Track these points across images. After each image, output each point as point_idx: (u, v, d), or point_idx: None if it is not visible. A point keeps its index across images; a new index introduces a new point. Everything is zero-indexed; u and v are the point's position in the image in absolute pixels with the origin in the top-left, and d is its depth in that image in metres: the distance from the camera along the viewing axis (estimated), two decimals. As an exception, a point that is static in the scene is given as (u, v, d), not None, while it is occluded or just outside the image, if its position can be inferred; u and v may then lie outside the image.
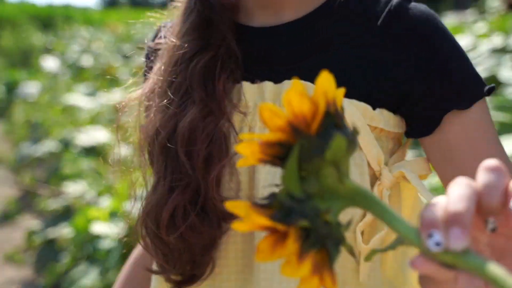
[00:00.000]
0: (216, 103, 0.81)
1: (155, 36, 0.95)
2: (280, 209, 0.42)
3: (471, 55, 3.44)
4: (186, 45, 0.85)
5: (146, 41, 0.99)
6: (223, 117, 0.81)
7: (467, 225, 0.39)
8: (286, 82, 0.79)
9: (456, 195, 0.40)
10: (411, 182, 0.79)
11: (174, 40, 0.86)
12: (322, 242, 0.42)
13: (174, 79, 0.84)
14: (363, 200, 0.43)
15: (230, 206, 0.42)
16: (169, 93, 0.84)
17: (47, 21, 16.44)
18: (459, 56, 0.80)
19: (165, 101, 0.83)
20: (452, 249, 0.38)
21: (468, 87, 0.80)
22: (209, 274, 0.82)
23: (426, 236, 0.39)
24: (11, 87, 8.47)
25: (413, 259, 0.40)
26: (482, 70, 3.25)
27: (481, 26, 3.97)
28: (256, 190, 0.81)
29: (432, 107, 0.80)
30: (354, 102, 0.77)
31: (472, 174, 0.79)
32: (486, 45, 3.40)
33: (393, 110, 0.81)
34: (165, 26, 0.93)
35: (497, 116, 2.53)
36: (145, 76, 0.93)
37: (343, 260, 0.82)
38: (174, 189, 0.80)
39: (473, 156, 0.79)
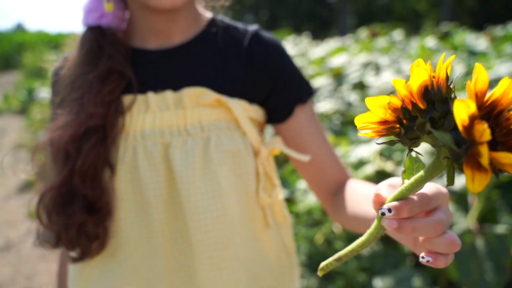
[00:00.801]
0: (103, 112, 0.75)
1: (59, 68, 0.85)
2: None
3: (347, 68, 3.55)
4: (79, 68, 0.78)
5: (50, 75, 0.90)
6: (107, 123, 0.75)
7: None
8: (185, 89, 0.77)
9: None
10: (283, 150, 0.83)
11: (71, 67, 0.80)
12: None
13: (69, 94, 0.78)
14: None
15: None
16: (67, 102, 0.77)
17: (57, 44, 15.83)
18: (296, 68, 0.86)
19: (61, 111, 0.77)
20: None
21: (305, 86, 0.86)
22: (103, 248, 0.77)
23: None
24: (30, 92, 8.48)
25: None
26: (355, 77, 3.36)
27: (354, 47, 4.09)
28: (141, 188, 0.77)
29: (285, 101, 0.84)
30: (237, 100, 0.79)
31: (312, 154, 0.86)
32: (357, 60, 3.51)
33: (261, 104, 0.84)
34: (66, 57, 0.85)
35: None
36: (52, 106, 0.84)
37: (254, 214, 0.83)
38: (63, 176, 0.74)
39: (311, 138, 0.85)
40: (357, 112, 2.92)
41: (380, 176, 2.49)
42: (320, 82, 3.37)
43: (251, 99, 0.82)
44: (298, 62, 4.09)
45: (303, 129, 0.85)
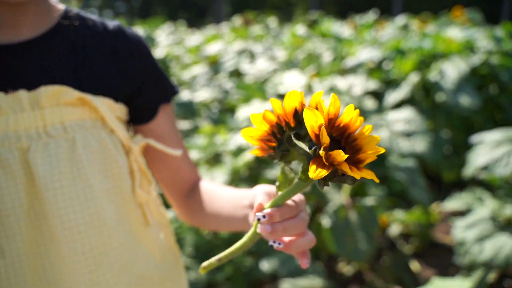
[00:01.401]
0: None
1: None
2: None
3: (223, 55, 3.58)
4: None
5: None
6: None
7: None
8: (42, 88, 0.70)
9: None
10: (155, 146, 0.81)
11: None
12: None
13: None
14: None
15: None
16: None
17: None
18: (159, 66, 0.84)
19: None
20: None
21: (167, 86, 0.85)
22: None
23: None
24: None
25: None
26: (231, 65, 3.41)
27: (230, 35, 4.14)
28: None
29: (150, 101, 0.82)
30: (102, 99, 0.75)
31: (170, 155, 0.84)
32: (232, 48, 3.56)
33: (126, 103, 0.81)
34: None
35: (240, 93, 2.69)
36: None
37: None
38: None
39: (172, 138, 0.85)
40: (234, 99, 2.97)
41: (259, 162, 2.56)
42: (196, 70, 3.35)
43: (116, 98, 0.78)
44: (175, 51, 4.01)
45: (164, 130, 0.84)
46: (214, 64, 3.53)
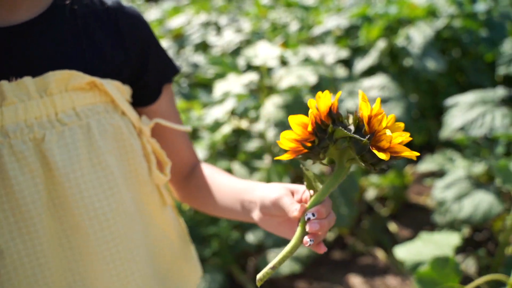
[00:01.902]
0: None
1: None
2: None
3: (188, 29, 3.51)
4: None
5: None
6: None
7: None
8: (50, 73, 0.67)
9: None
10: (165, 124, 0.80)
11: None
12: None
13: None
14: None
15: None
16: None
17: None
18: (160, 43, 0.81)
19: None
20: None
21: (170, 64, 0.83)
22: None
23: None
24: None
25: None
26: (196, 37, 3.34)
27: (191, 8, 4.04)
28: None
29: (154, 81, 0.80)
30: (110, 81, 0.72)
31: (171, 136, 0.86)
32: (197, 21, 3.49)
33: (131, 85, 0.78)
34: None
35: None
36: None
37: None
38: None
39: (175, 119, 0.84)
40: (204, 73, 2.93)
41: (236, 134, 2.57)
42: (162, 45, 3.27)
43: (123, 80, 0.76)
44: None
45: (166, 111, 0.83)
46: (179, 38, 3.45)
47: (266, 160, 2.26)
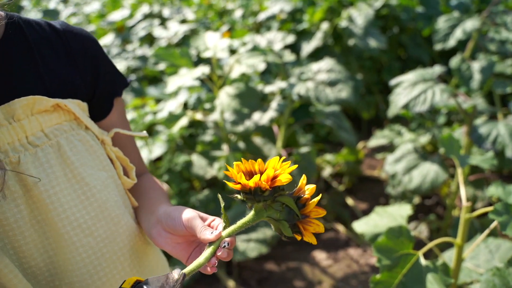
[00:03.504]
0: None
1: None
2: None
3: (130, 22, 3.47)
4: None
5: None
6: None
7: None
8: (15, 100, 0.71)
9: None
10: (124, 133, 0.87)
11: None
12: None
13: None
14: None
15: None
16: None
17: None
18: (109, 59, 0.86)
19: None
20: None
21: (120, 79, 0.88)
22: None
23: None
24: None
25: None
26: (141, 30, 3.32)
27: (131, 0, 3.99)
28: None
29: (107, 96, 0.86)
30: (71, 100, 0.78)
31: (127, 143, 0.92)
32: (139, 13, 3.45)
33: (87, 101, 0.83)
34: None
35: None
36: None
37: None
38: None
39: (126, 127, 0.90)
40: (152, 67, 2.94)
41: (192, 125, 2.62)
42: (106, 40, 3.23)
43: (81, 98, 0.81)
44: (73, 20, 3.79)
45: (118, 122, 0.89)
46: (122, 31, 3.42)
47: (224, 149, 2.33)
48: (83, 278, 0.77)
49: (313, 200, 0.68)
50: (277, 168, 0.67)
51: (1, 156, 0.70)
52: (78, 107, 0.79)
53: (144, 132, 0.91)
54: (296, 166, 0.68)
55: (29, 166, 0.72)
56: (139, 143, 2.22)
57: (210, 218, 0.73)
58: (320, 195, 0.69)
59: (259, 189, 0.67)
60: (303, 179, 0.70)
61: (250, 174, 0.68)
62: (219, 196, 0.71)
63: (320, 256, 2.33)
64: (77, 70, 0.80)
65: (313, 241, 0.67)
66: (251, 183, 0.66)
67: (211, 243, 0.67)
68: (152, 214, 0.80)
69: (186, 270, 0.65)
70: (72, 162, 0.76)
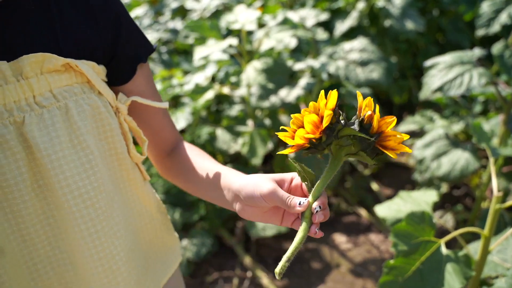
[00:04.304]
0: None
1: None
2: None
3: None
4: None
5: None
6: None
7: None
8: (24, 57, 0.67)
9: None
10: (142, 101, 0.81)
11: None
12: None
13: None
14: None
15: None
16: None
17: None
18: (133, 21, 0.81)
19: None
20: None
21: (145, 45, 0.83)
22: None
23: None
24: None
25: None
26: (173, 1, 3.28)
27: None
28: None
29: (128, 60, 0.80)
30: (85, 61, 0.73)
31: (150, 115, 0.86)
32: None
33: (105, 64, 0.79)
34: None
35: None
36: None
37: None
38: None
39: (154, 96, 0.85)
40: (184, 40, 2.90)
41: (219, 99, 2.58)
42: (138, 11, 3.21)
43: (98, 59, 0.76)
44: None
45: (142, 90, 0.83)
46: (155, 4, 3.39)
47: (249, 124, 2.29)
48: (82, 250, 0.73)
49: (376, 113, 0.61)
50: (319, 107, 0.63)
51: (5, 115, 0.67)
52: (92, 70, 0.74)
53: (165, 103, 0.85)
54: (335, 93, 0.62)
55: (33, 128, 0.67)
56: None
57: (287, 178, 0.70)
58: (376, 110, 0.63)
59: (317, 138, 0.63)
60: (359, 96, 0.64)
61: (300, 127, 0.64)
62: (291, 161, 0.66)
63: (340, 239, 2.28)
64: (97, 28, 0.74)
65: (406, 149, 0.61)
66: (301, 139, 0.62)
67: (303, 212, 0.65)
68: (224, 190, 0.76)
69: (287, 254, 0.63)
70: (79, 127, 0.71)
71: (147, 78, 0.85)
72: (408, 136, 0.62)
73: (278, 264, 0.63)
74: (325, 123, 0.61)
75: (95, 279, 0.75)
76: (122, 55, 0.79)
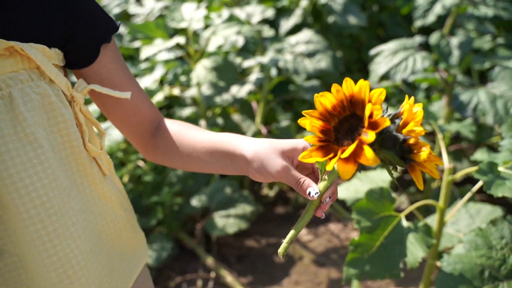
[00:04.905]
0: None
1: None
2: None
3: (104, 0, 3.35)
4: None
5: None
6: None
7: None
8: None
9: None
10: (101, 91, 0.75)
11: None
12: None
13: None
14: None
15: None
16: None
17: None
18: (95, 2, 0.76)
19: None
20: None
21: (108, 24, 0.77)
22: None
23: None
24: None
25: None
26: (115, 7, 3.21)
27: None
28: None
29: (89, 42, 0.75)
30: (34, 45, 0.66)
31: (127, 91, 0.80)
32: (114, -10, 3.33)
33: (61, 48, 0.73)
34: None
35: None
36: None
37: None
38: None
39: (121, 78, 0.79)
40: (128, 44, 2.84)
41: (169, 102, 2.54)
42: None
43: (49, 43, 0.70)
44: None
45: (110, 71, 0.78)
46: (97, 9, 3.30)
47: (202, 125, 2.26)
48: (34, 254, 0.66)
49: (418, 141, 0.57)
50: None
51: None
52: (41, 54, 0.67)
53: (127, 93, 0.77)
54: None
55: None
56: (108, 122, 2.09)
57: (299, 146, 0.69)
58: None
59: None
60: (406, 102, 0.59)
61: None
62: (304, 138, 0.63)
63: (301, 231, 2.29)
64: (48, 8, 0.68)
65: (435, 174, 0.59)
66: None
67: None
68: (227, 159, 0.74)
69: (287, 241, 0.64)
70: (25, 118, 0.64)
71: (114, 58, 0.79)
72: (442, 163, 0.60)
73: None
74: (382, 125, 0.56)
75: (48, 285, 0.68)
76: (83, 36, 0.73)
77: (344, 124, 0.60)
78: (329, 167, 0.57)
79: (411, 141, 0.58)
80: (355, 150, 0.54)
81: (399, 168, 0.61)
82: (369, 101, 0.57)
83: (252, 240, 2.24)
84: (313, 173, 0.72)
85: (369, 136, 0.53)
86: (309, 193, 0.64)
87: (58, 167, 0.69)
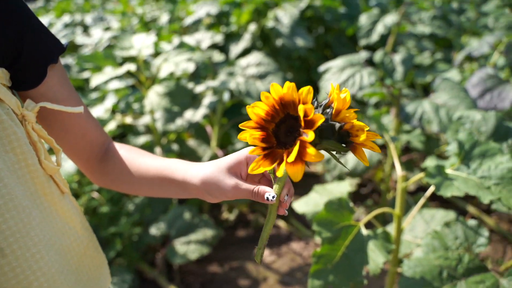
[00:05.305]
0: None
1: None
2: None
3: (52, 29, 3.29)
4: None
5: None
6: None
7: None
8: None
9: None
10: (53, 107, 0.73)
11: None
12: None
13: None
14: None
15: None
16: None
17: None
18: (38, 21, 0.75)
19: None
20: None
21: (55, 44, 0.76)
22: None
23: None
24: None
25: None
26: (62, 38, 3.16)
27: (55, 10, 3.79)
28: None
29: (36, 61, 0.73)
30: None
31: (70, 119, 0.80)
32: (60, 23, 3.29)
33: (7, 67, 0.71)
34: None
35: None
36: None
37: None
38: None
39: (69, 100, 0.78)
40: (76, 74, 2.79)
41: (123, 131, 2.49)
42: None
43: None
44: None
45: (57, 93, 0.77)
46: (42, 42, 3.23)
47: (157, 152, 2.23)
48: (8, 277, 0.64)
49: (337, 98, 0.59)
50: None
51: None
52: None
53: (80, 107, 0.75)
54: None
55: None
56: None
57: (242, 159, 0.70)
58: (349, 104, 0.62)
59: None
60: (332, 91, 0.62)
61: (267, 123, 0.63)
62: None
63: (264, 254, 2.28)
64: None
65: (375, 149, 0.60)
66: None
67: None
68: (177, 185, 0.75)
69: (260, 246, 0.66)
70: None
71: (61, 79, 0.77)
72: (380, 136, 0.62)
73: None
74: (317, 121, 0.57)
75: None
76: (29, 54, 0.72)
77: (281, 127, 0.62)
78: (279, 173, 0.58)
79: (347, 126, 0.60)
80: (299, 151, 0.55)
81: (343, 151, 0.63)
82: (299, 101, 0.59)
83: (215, 266, 2.20)
84: (265, 175, 0.73)
85: (309, 135, 0.54)
86: (267, 198, 0.65)
87: (15, 186, 0.67)
